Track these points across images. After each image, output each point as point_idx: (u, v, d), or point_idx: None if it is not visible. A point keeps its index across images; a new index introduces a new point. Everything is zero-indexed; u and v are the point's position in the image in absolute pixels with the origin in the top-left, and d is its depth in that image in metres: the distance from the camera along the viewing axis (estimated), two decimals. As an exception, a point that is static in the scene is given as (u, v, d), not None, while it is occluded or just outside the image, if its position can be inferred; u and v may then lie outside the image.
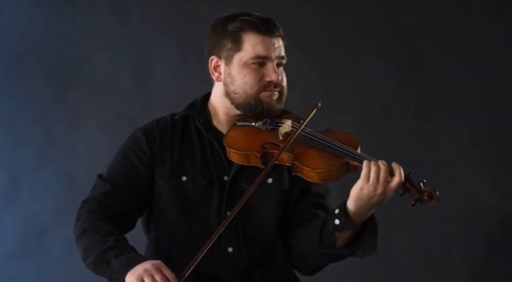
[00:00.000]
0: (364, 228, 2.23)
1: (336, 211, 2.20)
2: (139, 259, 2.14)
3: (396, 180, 2.14)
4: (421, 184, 2.17)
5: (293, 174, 2.26)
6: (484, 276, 4.12)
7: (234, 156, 2.29)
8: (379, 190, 2.14)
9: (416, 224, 4.12)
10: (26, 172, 4.10)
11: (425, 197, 2.16)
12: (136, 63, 4.16)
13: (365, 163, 2.15)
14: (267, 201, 2.33)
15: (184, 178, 2.32)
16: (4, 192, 4.09)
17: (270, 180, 2.33)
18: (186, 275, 2.13)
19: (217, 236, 2.17)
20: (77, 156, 4.12)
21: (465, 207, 4.12)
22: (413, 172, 2.19)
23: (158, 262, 2.13)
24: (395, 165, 2.16)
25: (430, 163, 4.14)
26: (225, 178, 2.32)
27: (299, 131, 2.25)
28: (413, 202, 2.17)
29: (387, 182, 2.14)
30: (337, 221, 2.19)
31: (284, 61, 2.37)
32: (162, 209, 2.33)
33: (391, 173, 2.15)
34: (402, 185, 2.16)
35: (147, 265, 2.11)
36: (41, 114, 4.12)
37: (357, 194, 2.16)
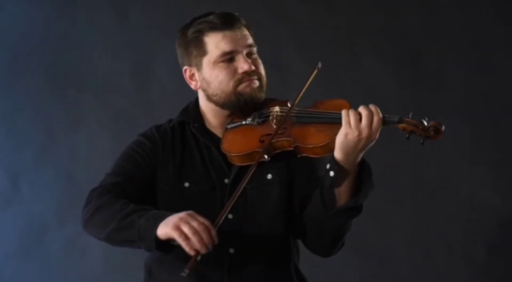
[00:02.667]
0: (361, 178, 2.22)
1: (328, 166, 2.20)
2: (167, 213, 2.11)
3: (375, 119, 2.13)
4: (424, 121, 2.16)
5: (298, 156, 2.25)
6: (484, 276, 4.11)
7: (237, 159, 2.29)
8: (364, 133, 2.13)
9: (416, 224, 4.12)
10: (26, 171, 4.11)
11: (431, 132, 2.14)
12: (136, 63, 4.16)
13: (343, 111, 2.15)
14: (270, 197, 2.33)
15: (186, 184, 2.33)
16: (4, 192, 4.09)
17: (269, 176, 2.33)
18: (220, 222, 2.10)
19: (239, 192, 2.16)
20: (77, 156, 4.12)
21: (465, 207, 4.12)
22: (411, 113, 2.18)
23: (191, 211, 2.10)
24: (371, 106, 2.16)
25: (430, 162, 4.14)
26: (226, 180, 2.32)
27: (293, 105, 2.25)
28: (422, 141, 2.15)
29: (371, 124, 2.13)
30: (331, 173, 2.18)
31: (254, 49, 2.34)
32: None
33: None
34: (404, 128, 2.15)
35: (181, 214, 2.08)
36: (41, 114, 4.12)
37: (343, 141, 2.15)
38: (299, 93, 2.28)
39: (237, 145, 2.30)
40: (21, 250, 4.08)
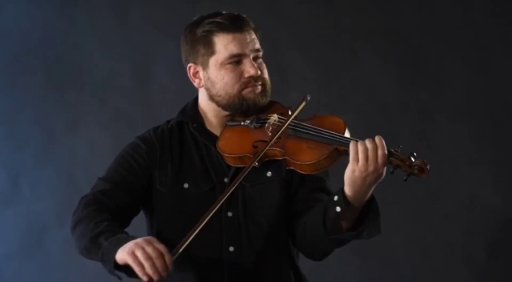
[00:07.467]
0: (367, 209, 2.21)
1: (335, 198, 2.19)
2: (129, 238, 2.12)
3: (380, 154, 2.12)
4: (411, 157, 2.15)
5: (287, 168, 2.27)
6: (484, 276, 4.11)
7: (230, 160, 2.30)
8: (371, 168, 2.12)
9: (416, 224, 4.12)
10: (26, 171, 4.11)
11: (416, 171, 2.14)
12: (136, 63, 4.16)
13: (351, 145, 2.13)
14: (270, 195, 2.33)
15: (186, 185, 2.32)
16: (5, 192, 4.09)
17: (269, 173, 2.33)
18: (180, 250, 2.10)
19: (218, 205, 2.15)
20: (77, 156, 4.12)
21: (465, 207, 4.12)
22: (401, 146, 2.17)
23: (149, 237, 2.10)
24: (377, 139, 2.14)
25: (430, 163, 4.13)
26: (225, 179, 2.32)
27: (285, 126, 2.25)
28: (405, 177, 2.15)
29: (376, 159, 2.12)
30: (338, 209, 2.18)
31: (260, 53, 2.35)
32: (165, 216, 2.34)
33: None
34: (390, 162, 2.14)
35: (138, 240, 2.08)
36: (41, 114, 4.13)
37: (350, 177, 2.14)
38: (284, 125, 2.25)
39: (231, 145, 2.31)
40: (21, 250, 4.08)
